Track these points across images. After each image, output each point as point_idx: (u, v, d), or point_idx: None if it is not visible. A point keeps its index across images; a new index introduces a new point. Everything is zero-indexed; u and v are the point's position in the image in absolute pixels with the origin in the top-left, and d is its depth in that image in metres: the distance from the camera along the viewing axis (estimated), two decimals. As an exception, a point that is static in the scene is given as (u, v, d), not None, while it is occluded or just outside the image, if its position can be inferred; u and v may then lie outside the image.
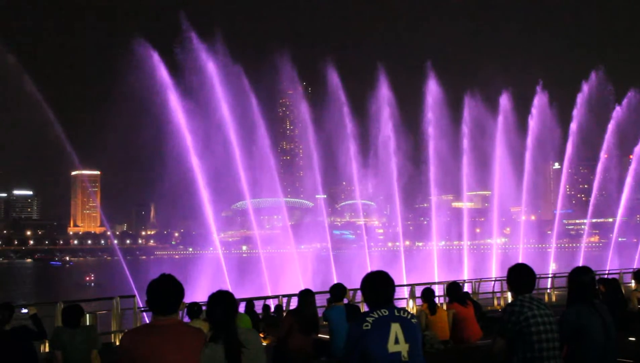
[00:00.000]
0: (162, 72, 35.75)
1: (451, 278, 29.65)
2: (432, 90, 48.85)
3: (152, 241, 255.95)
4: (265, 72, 44.76)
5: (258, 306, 19.65)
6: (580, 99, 51.46)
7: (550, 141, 53.28)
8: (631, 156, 55.33)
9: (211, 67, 38.18)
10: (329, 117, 46.62)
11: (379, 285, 5.71)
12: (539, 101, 51.50)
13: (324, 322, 11.72)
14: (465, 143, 49.77)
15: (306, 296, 11.77)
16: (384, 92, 47.56)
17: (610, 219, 66.75)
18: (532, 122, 51.30)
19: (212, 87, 38.31)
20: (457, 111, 50.21)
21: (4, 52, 31.49)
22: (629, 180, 53.98)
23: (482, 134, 50.74)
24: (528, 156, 51.11)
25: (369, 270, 6.02)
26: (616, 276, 28.07)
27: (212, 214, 38.58)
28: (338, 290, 11.89)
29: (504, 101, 50.31)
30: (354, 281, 16.86)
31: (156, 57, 35.59)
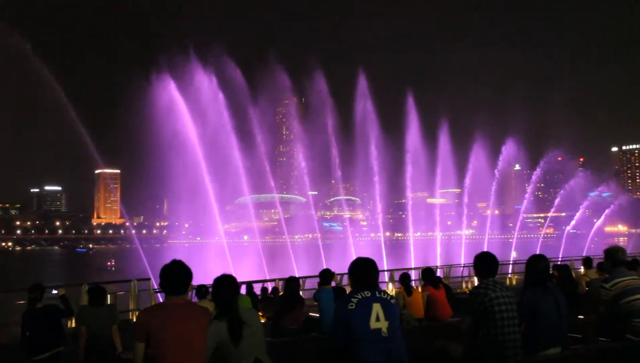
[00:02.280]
0: (174, 89, 35.74)
1: (425, 264, 29.70)
2: (411, 110, 49.13)
3: (164, 232, 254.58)
4: (263, 84, 44.72)
5: (257, 288, 19.64)
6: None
7: (513, 148, 53.72)
8: (582, 159, 55.66)
9: (217, 81, 38.16)
10: (319, 124, 46.67)
11: (366, 269, 5.72)
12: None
13: (315, 302, 11.75)
14: (440, 150, 50.10)
15: (291, 281, 12.35)
16: (368, 106, 47.64)
17: (563, 214, 67.07)
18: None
19: (218, 99, 38.28)
20: (432, 123, 50.54)
21: (42, 68, 31.35)
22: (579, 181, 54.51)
23: (454, 142, 51.09)
24: (498, 162, 51.59)
25: (353, 257, 6.00)
26: (568, 262, 28.16)
27: (217, 208, 38.57)
28: (326, 275, 11.97)
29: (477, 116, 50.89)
30: (340, 267, 16.86)
31: (168, 77, 35.57)
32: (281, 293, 15.60)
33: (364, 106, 47.55)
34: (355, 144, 48.88)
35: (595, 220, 59.36)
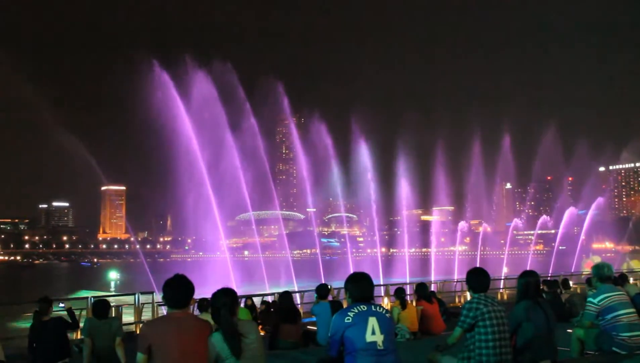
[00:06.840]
0: (179, 110, 35.77)
1: (420, 279, 29.62)
2: (405, 135, 49.37)
3: (168, 246, 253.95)
4: (265, 106, 44.87)
5: (256, 302, 19.54)
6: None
7: (503, 168, 53.79)
8: (570, 179, 55.79)
9: (221, 103, 38.22)
10: (318, 144, 46.70)
11: (362, 283, 5.72)
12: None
13: (313, 316, 11.73)
14: (435, 171, 50.31)
15: (284, 295, 12.43)
16: (364, 127, 47.82)
17: (552, 231, 67.05)
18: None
19: (222, 119, 38.34)
20: (427, 138, 50.65)
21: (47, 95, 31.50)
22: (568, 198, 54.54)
23: (449, 162, 51.25)
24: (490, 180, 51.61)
25: (351, 272, 6.01)
26: (557, 278, 28.07)
27: (220, 223, 38.50)
28: (323, 289, 11.98)
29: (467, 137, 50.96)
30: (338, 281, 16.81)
31: (176, 98, 35.60)
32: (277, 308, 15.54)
33: (360, 131, 47.67)
34: (352, 163, 48.94)
35: (583, 237, 59.27)
